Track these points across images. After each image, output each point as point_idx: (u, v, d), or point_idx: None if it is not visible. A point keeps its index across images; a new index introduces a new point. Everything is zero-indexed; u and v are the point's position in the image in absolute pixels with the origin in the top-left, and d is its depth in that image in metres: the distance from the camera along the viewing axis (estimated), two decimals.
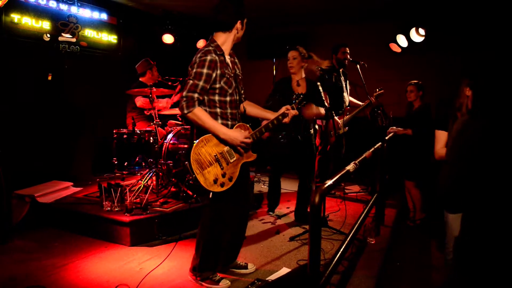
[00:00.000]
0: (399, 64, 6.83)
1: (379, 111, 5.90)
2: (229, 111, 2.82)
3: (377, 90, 5.45)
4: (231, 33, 2.81)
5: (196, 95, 2.64)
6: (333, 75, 5.24)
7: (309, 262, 1.92)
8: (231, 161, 2.77)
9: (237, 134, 2.72)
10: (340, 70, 5.46)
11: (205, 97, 2.73)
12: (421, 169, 4.62)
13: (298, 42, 5.39)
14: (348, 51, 5.46)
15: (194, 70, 2.65)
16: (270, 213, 4.77)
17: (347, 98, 5.60)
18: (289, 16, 7.17)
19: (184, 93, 2.64)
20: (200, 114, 2.65)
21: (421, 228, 4.69)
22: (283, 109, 2.99)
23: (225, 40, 2.81)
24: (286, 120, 2.98)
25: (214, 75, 2.69)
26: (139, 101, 5.23)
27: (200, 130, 2.72)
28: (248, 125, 2.93)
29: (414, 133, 4.75)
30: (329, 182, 2.05)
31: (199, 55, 2.69)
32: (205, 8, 6.44)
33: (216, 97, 2.76)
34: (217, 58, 2.70)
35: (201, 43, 7.18)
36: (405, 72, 6.79)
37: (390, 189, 5.08)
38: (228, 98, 2.80)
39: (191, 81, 2.65)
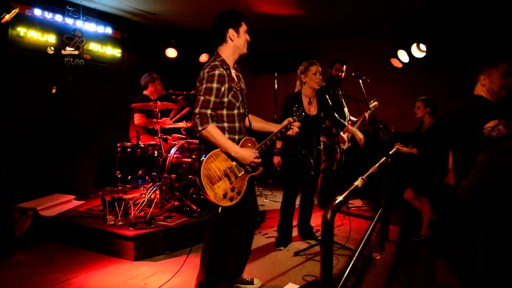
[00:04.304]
0: (400, 79, 6.88)
1: (380, 126, 5.94)
2: (237, 124, 2.83)
3: (372, 102, 5.48)
4: (228, 44, 2.83)
5: (209, 111, 2.66)
6: (330, 91, 5.24)
7: (321, 279, 1.90)
8: (239, 175, 2.78)
9: (249, 153, 2.73)
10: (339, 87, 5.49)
11: None
12: (436, 186, 4.55)
13: (299, 57, 5.47)
14: (343, 68, 5.49)
15: (204, 86, 2.67)
16: (281, 248, 4.12)
17: (347, 113, 5.63)
18: (291, 32, 7.25)
19: (197, 110, 2.65)
20: (214, 131, 2.65)
21: (426, 244, 4.67)
22: (285, 122, 3.04)
23: (227, 53, 2.84)
24: (290, 132, 3.03)
25: (223, 89, 2.71)
26: (137, 119, 5.24)
27: (209, 146, 2.72)
28: (253, 139, 2.95)
29: (420, 154, 4.72)
30: (340, 198, 2.05)
31: (206, 70, 2.71)
32: (207, 23, 6.49)
33: (224, 111, 2.77)
34: (224, 72, 2.72)
35: (203, 57, 7.24)
36: (407, 87, 6.86)
37: (393, 205, 5.07)
38: (235, 112, 2.82)
39: (202, 97, 2.66)
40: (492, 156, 2.54)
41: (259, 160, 2.79)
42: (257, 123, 3.10)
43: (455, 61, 6.27)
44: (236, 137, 2.83)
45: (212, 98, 2.67)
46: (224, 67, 2.76)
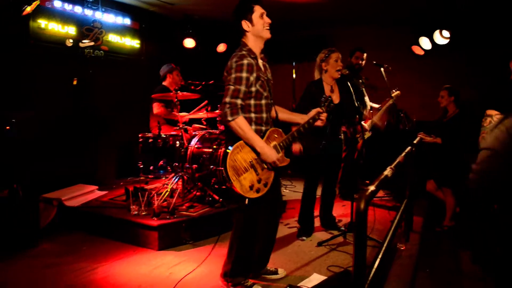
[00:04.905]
0: (422, 67, 6.73)
1: (401, 115, 5.85)
2: (264, 115, 2.79)
3: (394, 91, 5.38)
4: (248, 35, 2.79)
5: (239, 101, 2.63)
6: (353, 79, 5.17)
7: (354, 271, 1.87)
8: (266, 166, 2.75)
9: (273, 153, 2.69)
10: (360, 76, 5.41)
11: None
12: (459, 176, 4.46)
13: (318, 45, 5.38)
14: (363, 56, 5.40)
15: (233, 75, 2.63)
16: (304, 238, 4.10)
17: (368, 102, 5.55)
18: (309, 20, 7.14)
19: (227, 99, 2.62)
20: (242, 123, 2.62)
21: (450, 235, 4.60)
22: (313, 112, 2.97)
23: (251, 43, 2.80)
24: (318, 123, 2.96)
25: (251, 78, 2.67)
26: (156, 108, 5.25)
27: (233, 136, 2.69)
28: (280, 130, 2.91)
29: (444, 143, 4.62)
30: (372, 188, 2.01)
31: (234, 59, 2.68)
32: (224, 12, 6.46)
33: (252, 101, 2.74)
34: (252, 61, 2.69)
35: (221, 47, 7.21)
36: (428, 75, 6.71)
37: (416, 195, 5.00)
38: (263, 102, 2.78)
39: (232, 87, 2.63)
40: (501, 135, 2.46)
41: (280, 164, 2.74)
42: (284, 114, 3.05)
43: (480, 49, 6.10)
44: (263, 128, 2.80)
45: (243, 88, 2.63)
46: (252, 56, 2.72)
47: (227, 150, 2.63)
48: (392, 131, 5.95)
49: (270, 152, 2.68)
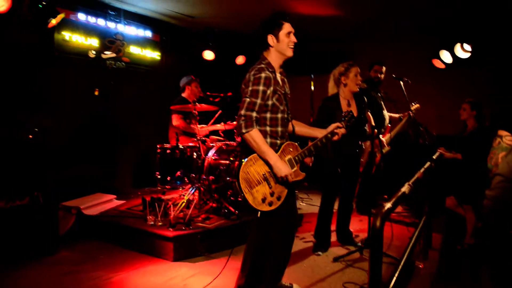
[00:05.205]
0: (442, 80, 6.63)
1: (421, 129, 5.76)
2: (279, 129, 2.80)
3: (413, 104, 5.31)
4: (270, 50, 2.80)
5: (254, 114, 2.64)
6: (370, 93, 5.12)
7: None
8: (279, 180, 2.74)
9: (285, 167, 2.67)
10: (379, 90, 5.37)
11: None
12: (480, 193, 4.36)
13: (337, 58, 5.37)
14: (382, 69, 5.35)
15: (250, 88, 2.65)
16: (319, 252, 4.06)
17: (387, 115, 5.50)
18: (327, 33, 7.15)
19: (243, 112, 2.63)
20: (257, 136, 2.63)
21: (470, 253, 4.47)
22: (332, 127, 2.95)
23: (272, 58, 2.81)
24: (335, 138, 2.95)
25: (268, 91, 2.68)
26: (175, 120, 5.31)
27: (247, 149, 2.69)
28: (296, 144, 2.90)
29: (464, 159, 4.53)
30: (388, 205, 2.00)
31: (252, 72, 2.70)
32: (244, 25, 6.54)
33: (268, 114, 2.75)
34: (270, 75, 2.70)
35: (240, 59, 7.27)
36: (449, 89, 6.60)
37: (436, 211, 4.90)
38: (279, 115, 2.79)
39: (248, 99, 2.64)
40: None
41: (291, 179, 2.69)
42: (301, 128, 3.04)
43: (501, 62, 5.99)
44: (278, 141, 2.80)
45: (258, 101, 2.65)
46: (270, 70, 2.73)
47: (241, 162, 2.63)
48: (412, 145, 5.87)
49: (282, 166, 2.66)
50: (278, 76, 2.84)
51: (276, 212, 2.73)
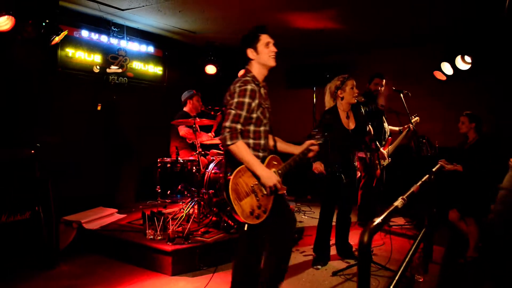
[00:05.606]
0: (443, 92, 6.63)
1: (423, 141, 5.73)
2: (262, 141, 2.83)
3: (413, 117, 5.31)
4: (253, 62, 2.85)
5: (239, 126, 2.66)
6: (371, 106, 5.14)
7: None
8: (265, 192, 2.74)
9: (272, 176, 2.70)
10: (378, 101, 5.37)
11: None
12: (482, 206, 4.31)
13: (338, 70, 5.40)
14: (383, 82, 5.36)
15: (236, 100, 2.67)
16: (319, 266, 4.07)
17: (387, 128, 5.49)
18: (327, 45, 7.20)
19: (228, 124, 2.65)
20: (242, 147, 2.65)
21: (473, 266, 4.41)
22: (307, 144, 3.03)
23: (256, 70, 2.85)
24: (311, 154, 3.03)
25: (253, 104, 2.71)
26: (182, 130, 5.36)
27: (233, 161, 2.70)
28: (279, 158, 2.94)
29: (465, 171, 4.49)
30: (378, 220, 1.97)
31: (238, 84, 2.72)
32: None
33: (251, 127, 2.77)
34: (256, 88, 2.73)
35: (241, 73, 7.31)
36: (450, 100, 6.60)
37: (437, 224, 4.84)
38: (262, 128, 2.82)
39: (233, 111, 2.66)
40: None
41: (280, 187, 2.74)
42: (281, 144, 3.10)
43: (503, 73, 5.97)
44: (260, 154, 2.82)
45: (244, 113, 2.67)
46: (256, 82, 2.77)
47: (230, 174, 2.63)
48: (414, 157, 5.84)
49: (270, 175, 2.68)
50: (262, 90, 2.87)
51: (264, 225, 2.73)
